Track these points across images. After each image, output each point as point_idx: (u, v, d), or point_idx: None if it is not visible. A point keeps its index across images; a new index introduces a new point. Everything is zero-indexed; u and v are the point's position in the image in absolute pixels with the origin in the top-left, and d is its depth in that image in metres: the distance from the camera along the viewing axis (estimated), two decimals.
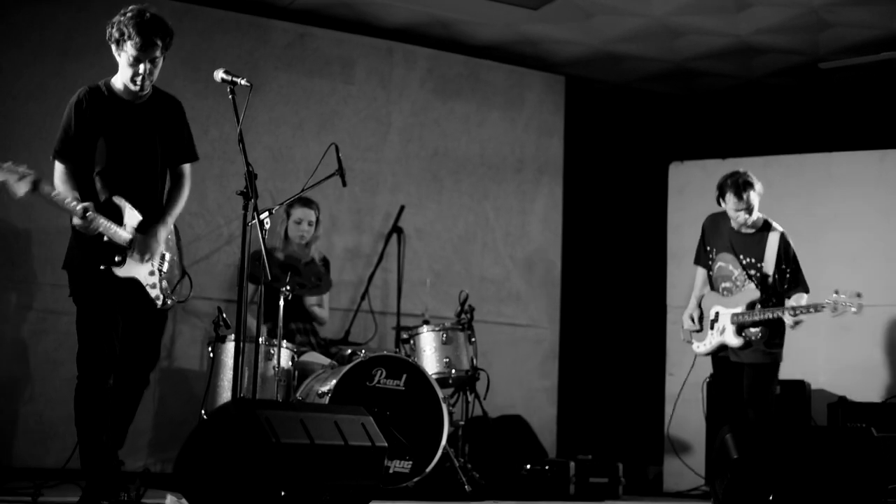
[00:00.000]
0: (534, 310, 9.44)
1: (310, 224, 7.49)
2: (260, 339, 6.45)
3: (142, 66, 5.23)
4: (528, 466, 7.64)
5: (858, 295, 6.65)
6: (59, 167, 5.26)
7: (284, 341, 6.75)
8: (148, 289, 5.27)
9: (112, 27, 5.25)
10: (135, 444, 5.33)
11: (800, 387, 8.38)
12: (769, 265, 6.87)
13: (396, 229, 8.59)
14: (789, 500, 5.45)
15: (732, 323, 6.85)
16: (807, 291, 6.90)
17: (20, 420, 7.44)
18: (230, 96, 5.18)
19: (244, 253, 5.03)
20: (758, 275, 6.88)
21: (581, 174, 10.07)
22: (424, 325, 7.41)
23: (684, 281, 9.36)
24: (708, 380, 8.45)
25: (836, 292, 6.67)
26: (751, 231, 6.97)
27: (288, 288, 6.55)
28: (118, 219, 5.18)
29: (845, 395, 7.93)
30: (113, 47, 5.29)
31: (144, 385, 5.43)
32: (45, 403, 7.49)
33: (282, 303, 6.48)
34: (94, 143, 5.24)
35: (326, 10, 8.55)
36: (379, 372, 6.71)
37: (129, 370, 5.34)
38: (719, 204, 6.99)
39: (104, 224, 5.11)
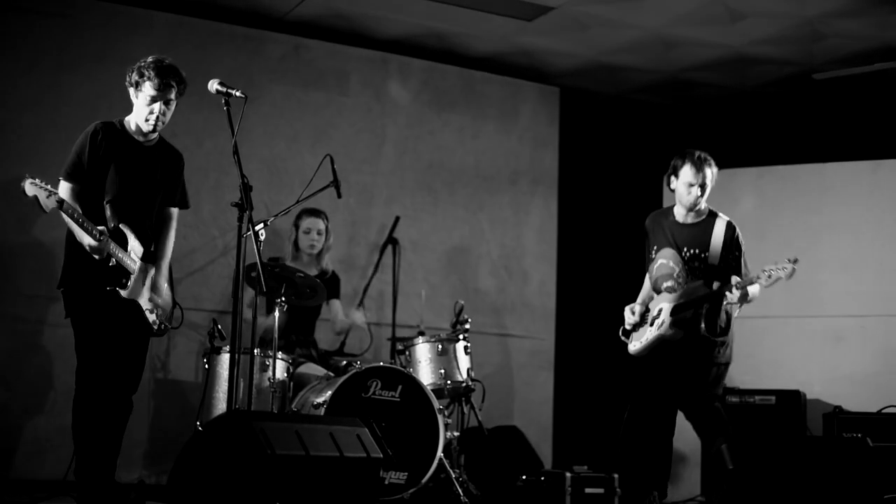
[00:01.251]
0: (529, 321, 9.44)
1: (319, 233, 7.51)
2: (255, 351, 6.47)
3: (156, 106, 5.51)
4: (524, 477, 7.63)
5: (791, 260, 6.22)
6: (65, 186, 5.52)
7: (280, 352, 6.75)
8: (147, 313, 5.56)
9: (132, 71, 5.55)
10: (130, 456, 5.34)
11: (795, 397, 8.38)
12: (714, 255, 6.46)
13: (391, 241, 8.59)
14: None
15: (671, 315, 6.49)
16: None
17: (15, 432, 7.42)
18: (225, 108, 5.22)
19: (239, 264, 5.04)
20: (701, 266, 6.51)
21: (576, 185, 10.08)
22: (420, 337, 7.41)
23: None
24: None
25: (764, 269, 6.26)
26: (696, 221, 6.60)
27: (283, 300, 6.54)
28: (124, 245, 5.47)
29: (840, 406, 7.93)
30: (131, 90, 5.58)
31: (128, 409, 5.62)
32: (40, 416, 7.47)
33: (277, 314, 6.47)
34: (104, 172, 5.52)
35: (321, 21, 8.56)
36: (374, 383, 6.71)
37: (115, 391, 5.53)
38: (668, 185, 6.64)
39: (115, 250, 5.40)
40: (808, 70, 9.16)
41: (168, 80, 5.48)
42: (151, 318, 5.58)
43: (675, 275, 6.57)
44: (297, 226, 7.50)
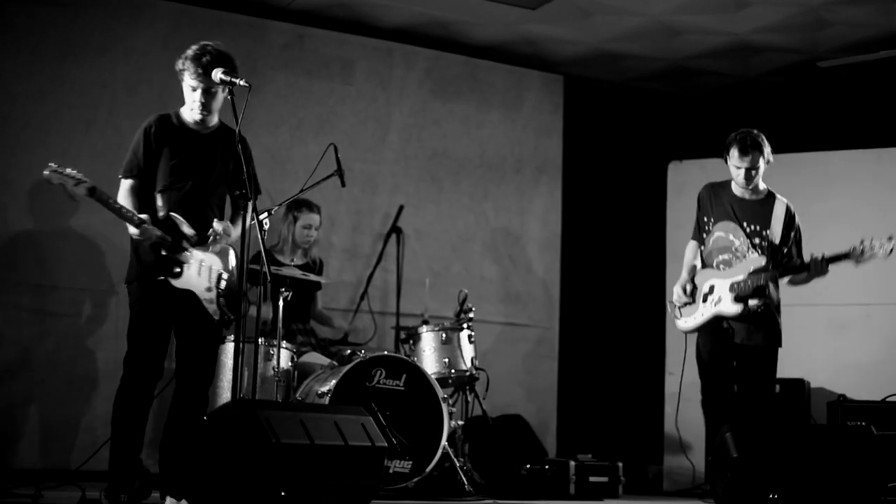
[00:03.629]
0: (533, 309, 9.44)
1: (315, 229, 7.54)
2: (259, 340, 6.48)
3: (197, 94, 5.46)
4: (528, 466, 7.64)
5: (890, 238, 6.25)
6: (124, 184, 5.51)
7: (284, 341, 6.76)
8: (205, 303, 5.47)
9: (178, 60, 5.48)
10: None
11: (799, 385, 8.38)
12: (776, 233, 6.52)
13: (396, 229, 8.59)
14: (789, 499, 5.45)
15: (731, 291, 6.50)
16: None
17: (20, 422, 7.44)
18: (229, 97, 5.21)
19: (244, 253, 5.04)
20: (763, 243, 6.53)
21: (580, 174, 10.07)
22: (424, 326, 7.41)
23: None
24: None
25: (863, 240, 6.28)
26: (755, 198, 6.63)
27: (286, 289, 6.55)
28: (176, 234, 5.41)
29: (845, 394, 7.93)
30: (181, 77, 5.51)
31: (204, 404, 5.57)
32: (46, 405, 7.49)
33: (281, 303, 6.48)
34: (157, 164, 5.49)
35: (325, 10, 8.55)
36: (378, 372, 6.72)
37: (186, 385, 5.52)
38: (725, 161, 6.64)
39: (159, 234, 5.34)
40: (813, 58, 9.14)
41: (206, 69, 5.37)
42: (211, 308, 5.49)
43: (734, 248, 6.58)
44: (295, 217, 7.49)
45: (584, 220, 10.18)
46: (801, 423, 8.14)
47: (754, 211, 6.60)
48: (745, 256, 6.54)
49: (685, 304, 6.76)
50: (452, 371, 7.26)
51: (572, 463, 7.63)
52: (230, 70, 5.35)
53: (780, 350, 6.64)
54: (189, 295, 5.44)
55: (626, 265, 10.34)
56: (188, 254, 5.43)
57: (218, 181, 5.61)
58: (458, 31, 8.97)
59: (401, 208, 8.60)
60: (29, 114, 7.64)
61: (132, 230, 5.31)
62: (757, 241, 6.54)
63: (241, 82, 5.23)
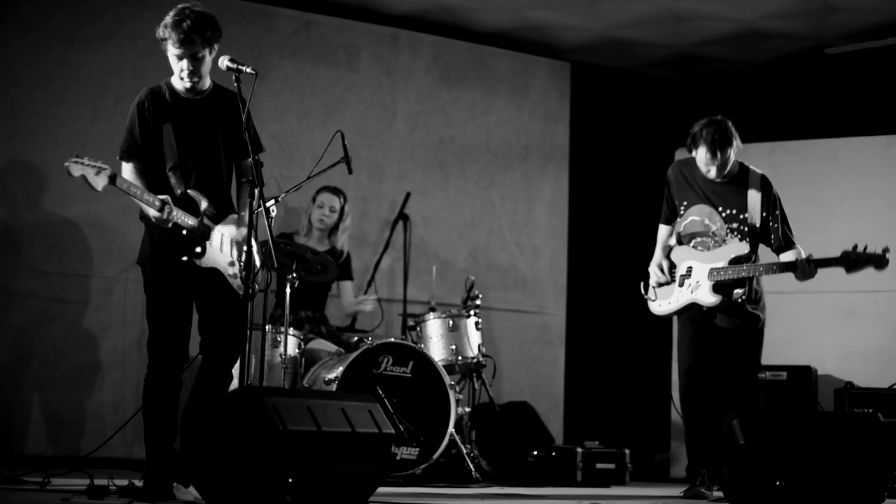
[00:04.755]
0: (540, 296, 9.45)
1: (332, 210, 7.52)
2: (267, 327, 6.48)
3: (184, 63, 5.26)
4: (535, 453, 7.65)
5: (886, 250, 6.12)
6: (125, 166, 5.32)
7: (291, 328, 6.77)
8: (229, 279, 5.33)
9: (158, 28, 5.29)
10: (142, 431, 5.34)
11: (806, 372, 8.39)
12: (754, 216, 6.27)
13: (402, 216, 8.59)
14: (796, 486, 5.45)
15: (709, 279, 6.28)
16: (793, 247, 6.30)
17: (27, 408, 7.46)
18: (235, 84, 5.18)
19: (250, 241, 5.03)
20: (743, 227, 6.29)
21: (587, 160, 10.06)
22: (431, 313, 7.43)
23: None
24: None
25: (855, 246, 6.10)
26: (727, 179, 6.36)
27: (294, 275, 6.54)
28: (195, 211, 5.27)
29: (852, 381, 7.93)
30: (163, 47, 5.32)
31: (227, 381, 5.44)
32: (53, 392, 7.51)
33: (288, 290, 6.48)
34: (159, 141, 5.30)
35: None
36: (386, 359, 6.74)
37: (211, 361, 5.40)
38: (689, 151, 6.40)
39: (182, 217, 5.20)
40: (820, 44, 9.12)
41: (189, 36, 5.18)
42: (235, 283, 5.31)
43: (710, 232, 6.37)
44: (313, 199, 7.53)
45: (591, 207, 10.17)
46: (808, 409, 8.14)
47: (727, 193, 6.35)
48: (723, 241, 6.34)
49: (663, 285, 6.54)
50: (459, 358, 7.27)
51: (579, 450, 7.64)
52: (213, 34, 5.24)
53: (766, 334, 6.43)
54: (213, 273, 5.30)
55: (632, 252, 10.28)
56: (210, 231, 5.30)
57: (220, 147, 5.41)
58: (464, 17, 8.95)
59: (408, 195, 8.60)
60: (36, 100, 7.64)
61: (153, 213, 5.14)
62: (735, 225, 6.32)
63: (248, 70, 5.20)
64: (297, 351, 6.85)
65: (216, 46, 5.31)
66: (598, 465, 7.68)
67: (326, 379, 6.60)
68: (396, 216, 8.59)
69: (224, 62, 5.23)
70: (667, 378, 9.32)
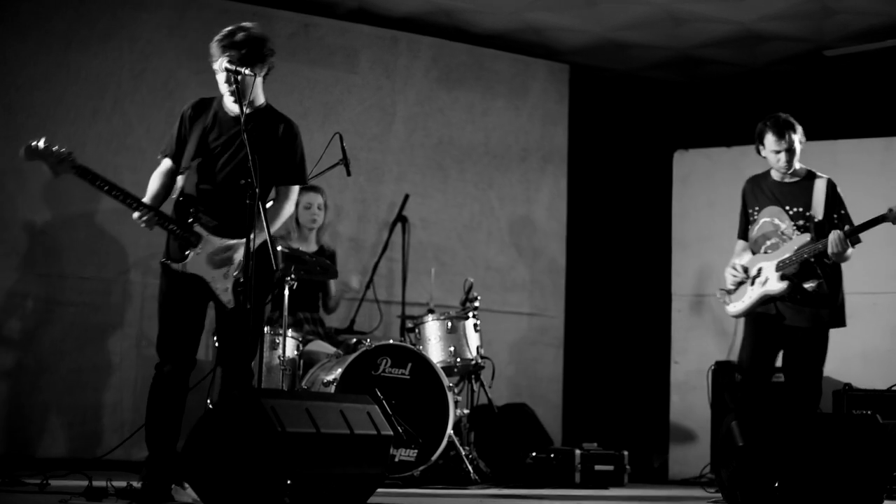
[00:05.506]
0: (539, 298, 9.45)
1: (319, 208, 7.51)
2: (265, 329, 6.48)
3: (221, 77, 5.34)
4: (534, 454, 7.65)
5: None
6: (163, 163, 5.44)
7: (290, 330, 6.76)
8: (219, 293, 5.31)
9: (210, 44, 5.37)
10: (141, 433, 5.35)
11: None
12: (818, 211, 6.47)
13: (401, 218, 8.58)
14: (794, 488, 5.46)
15: (777, 269, 6.45)
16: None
17: (27, 410, 7.45)
18: (234, 86, 5.18)
19: (249, 243, 5.03)
20: (808, 224, 6.49)
21: (586, 163, 10.06)
22: (429, 314, 7.43)
23: (689, 269, 9.39)
24: (713, 367, 8.46)
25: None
26: (795, 180, 6.59)
27: (293, 277, 6.53)
28: (188, 217, 5.28)
29: (850, 383, 7.93)
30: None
31: (249, 377, 5.40)
32: (52, 394, 7.51)
33: (286, 292, 6.47)
34: (185, 145, 5.40)
35: None
36: (384, 361, 6.73)
37: (230, 368, 5.42)
38: (758, 153, 6.66)
39: (164, 222, 5.24)
40: (820, 47, 9.12)
41: (235, 56, 5.25)
42: (225, 297, 5.29)
43: (779, 231, 6.54)
44: (297, 201, 7.49)
45: (590, 209, 10.17)
46: (806, 411, 8.13)
47: (795, 193, 6.56)
48: (790, 238, 6.51)
49: (739, 284, 6.66)
50: (458, 360, 7.27)
51: (578, 451, 7.64)
52: (257, 55, 5.32)
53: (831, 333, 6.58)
54: (198, 281, 5.29)
55: (631, 254, 10.34)
56: (200, 238, 5.28)
57: (248, 168, 5.18)
58: (462, 19, 8.96)
59: (406, 197, 8.60)
60: (34, 101, 7.64)
61: (134, 215, 5.17)
62: (801, 222, 6.50)
63: (246, 72, 5.21)
64: (295, 353, 6.86)
65: (265, 69, 5.43)
66: (597, 467, 7.68)
67: (325, 381, 6.60)
68: (395, 218, 8.58)
69: (223, 64, 5.23)
70: (665, 379, 9.33)
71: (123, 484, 5.22)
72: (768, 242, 6.58)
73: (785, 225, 6.54)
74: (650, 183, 10.14)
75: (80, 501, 4.88)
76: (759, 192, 6.70)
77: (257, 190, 5.06)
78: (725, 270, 6.76)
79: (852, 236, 6.34)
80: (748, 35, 9.02)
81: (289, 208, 5.57)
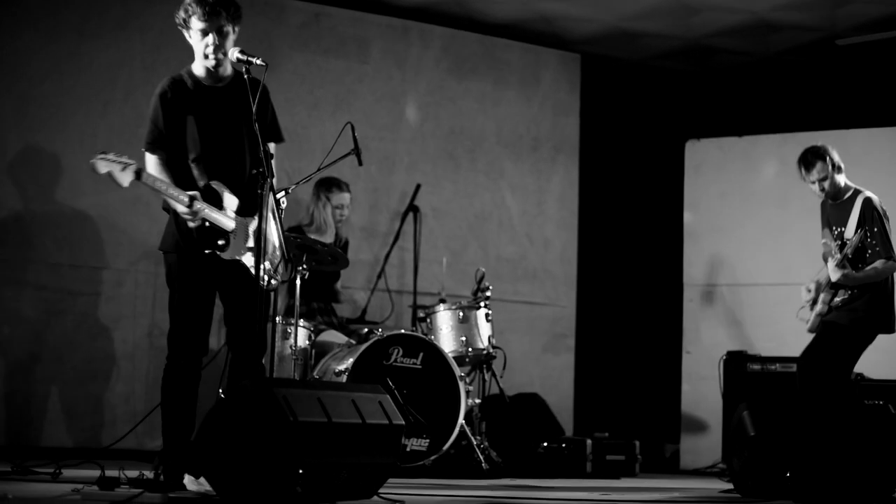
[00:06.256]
0: (550, 288, 9.45)
1: (347, 208, 7.60)
2: (277, 319, 6.49)
3: (210, 38, 5.21)
4: (545, 444, 7.66)
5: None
6: (150, 158, 5.27)
7: (301, 320, 6.77)
8: (252, 270, 5.21)
9: (178, 12, 5.23)
10: (153, 423, 5.36)
11: None
12: (850, 231, 6.69)
13: (413, 208, 8.59)
14: (806, 477, 5.45)
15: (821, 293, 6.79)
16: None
17: (39, 400, 7.48)
18: (245, 76, 5.17)
19: (260, 233, 5.03)
20: (842, 244, 6.75)
21: (597, 152, 10.05)
22: (441, 304, 7.43)
23: (700, 259, 9.39)
24: (725, 357, 8.45)
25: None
26: (842, 200, 6.83)
27: (304, 267, 6.53)
28: (218, 203, 5.21)
29: (862, 373, 7.91)
30: (185, 34, 5.27)
31: (260, 373, 5.37)
32: (64, 384, 7.53)
33: (298, 282, 6.48)
34: (182, 131, 5.25)
35: None
36: (396, 350, 6.74)
37: (241, 355, 5.35)
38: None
39: (208, 212, 5.14)
40: (831, 36, 9.09)
41: (214, 8, 5.17)
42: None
43: (832, 253, 6.78)
44: (327, 198, 7.51)
45: (602, 198, 10.16)
46: (818, 402, 8.12)
47: (839, 214, 6.80)
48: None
49: (812, 304, 6.93)
50: (469, 349, 7.27)
51: (589, 441, 7.65)
52: (237, 11, 5.25)
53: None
54: (236, 264, 5.24)
55: (643, 244, 10.32)
56: (233, 224, 5.23)
57: (243, 137, 5.31)
58: (474, 8, 8.94)
59: (418, 187, 8.60)
60: (46, 91, 7.65)
61: (181, 209, 5.09)
62: (839, 242, 6.75)
63: (258, 62, 5.18)
64: (307, 342, 6.86)
65: (237, 28, 5.29)
66: (608, 457, 7.69)
67: (337, 370, 6.61)
68: (406, 208, 8.59)
69: (234, 54, 5.21)
70: (677, 369, 9.32)
71: (136, 473, 5.23)
72: (828, 261, 6.81)
73: (833, 245, 6.78)
74: (662, 173, 10.13)
75: (92, 490, 4.88)
76: (822, 213, 6.98)
77: (271, 180, 5.03)
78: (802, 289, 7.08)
79: (844, 262, 6.61)
80: (760, 24, 8.99)
81: (275, 169, 5.49)
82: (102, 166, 4.98)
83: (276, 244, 5.34)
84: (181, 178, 5.23)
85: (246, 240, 5.28)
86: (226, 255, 5.23)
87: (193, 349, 5.27)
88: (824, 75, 9.90)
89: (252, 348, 5.34)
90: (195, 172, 5.27)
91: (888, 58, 9.42)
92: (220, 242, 5.22)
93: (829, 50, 9.37)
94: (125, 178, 5.00)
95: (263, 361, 5.41)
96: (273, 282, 5.34)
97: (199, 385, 5.33)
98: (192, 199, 5.09)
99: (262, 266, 5.18)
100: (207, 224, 5.17)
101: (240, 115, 5.26)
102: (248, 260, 5.27)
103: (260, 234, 4.97)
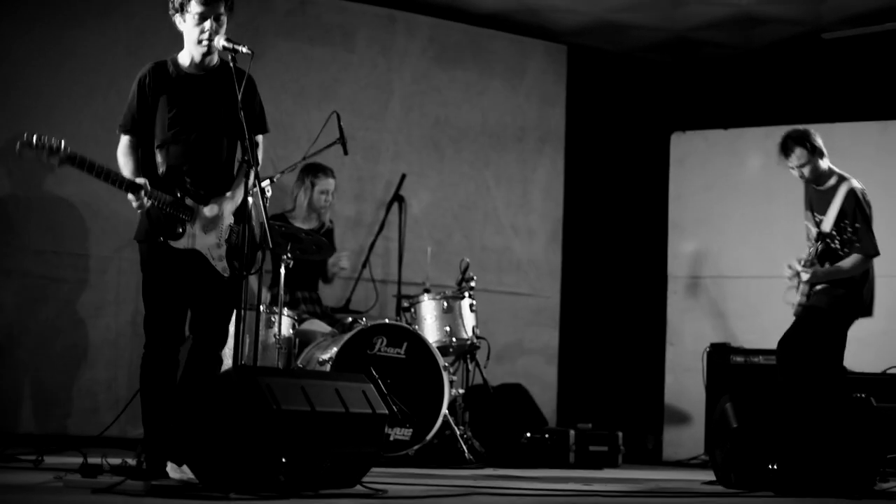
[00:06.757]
0: (535, 279, 9.45)
1: (332, 194, 7.57)
2: (261, 307, 6.47)
3: (207, 23, 5.17)
4: (528, 435, 7.67)
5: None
6: (123, 140, 5.27)
7: (286, 309, 6.76)
8: (213, 261, 5.23)
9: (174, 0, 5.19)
10: (136, 411, 5.34)
11: None
12: (828, 221, 6.67)
13: (398, 198, 8.58)
14: (789, 469, 5.47)
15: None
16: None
17: (21, 387, 7.46)
18: (231, 64, 5.15)
19: (246, 220, 5.02)
20: (818, 230, 6.74)
21: (583, 143, 10.04)
22: (425, 294, 7.43)
23: (685, 251, 9.40)
24: (708, 349, 8.47)
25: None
26: (827, 187, 6.80)
27: (289, 255, 6.52)
28: (181, 190, 5.18)
29: (845, 366, 7.94)
30: (177, 19, 5.22)
31: (216, 364, 5.36)
32: (46, 371, 7.50)
33: (283, 270, 6.47)
34: (154, 117, 5.23)
35: None
36: (380, 340, 6.74)
37: (200, 345, 5.33)
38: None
39: (159, 198, 5.10)
40: (817, 29, 9.10)
41: None
42: (220, 265, 5.22)
43: (810, 236, 6.81)
44: (312, 183, 7.50)
45: (587, 189, 10.15)
46: (800, 394, 8.15)
47: (821, 200, 6.79)
48: (813, 243, 6.77)
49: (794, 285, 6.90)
50: (453, 339, 7.27)
51: (572, 432, 7.66)
52: (231, 3, 5.23)
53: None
54: (193, 254, 5.21)
55: (627, 235, 10.32)
56: (193, 212, 5.19)
57: (221, 125, 5.28)
58: None
59: (403, 176, 8.60)
60: (29, 77, 7.61)
61: (128, 196, 5.05)
62: (817, 230, 6.75)
63: (244, 49, 5.16)
64: (291, 331, 6.86)
65: (230, 18, 5.27)
66: (591, 448, 7.71)
67: (321, 359, 6.61)
68: (391, 197, 8.59)
69: (220, 42, 5.19)
70: (660, 361, 9.34)
71: (119, 461, 5.22)
72: (807, 242, 6.83)
73: (814, 230, 6.78)
74: (647, 164, 10.13)
75: (75, 478, 4.87)
76: (805, 195, 6.96)
77: (255, 169, 5.02)
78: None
79: (813, 261, 6.70)
80: (746, 17, 8.99)
81: (259, 159, 5.47)
82: (27, 153, 4.94)
83: (229, 224, 5.30)
84: (147, 163, 5.21)
85: (204, 228, 5.24)
86: (180, 244, 5.19)
87: (168, 337, 5.23)
88: (810, 69, 9.90)
89: (211, 340, 5.33)
90: (158, 158, 5.23)
91: (874, 52, 9.43)
92: (178, 230, 5.18)
93: (815, 43, 9.38)
94: (52, 163, 4.99)
95: (226, 351, 5.40)
96: (237, 274, 5.26)
97: (177, 372, 5.31)
98: (136, 186, 5.03)
99: (217, 253, 5.19)
100: (168, 210, 5.13)
101: (220, 104, 5.24)
102: (210, 251, 5.24)
103: (248, 221, 4.95)
